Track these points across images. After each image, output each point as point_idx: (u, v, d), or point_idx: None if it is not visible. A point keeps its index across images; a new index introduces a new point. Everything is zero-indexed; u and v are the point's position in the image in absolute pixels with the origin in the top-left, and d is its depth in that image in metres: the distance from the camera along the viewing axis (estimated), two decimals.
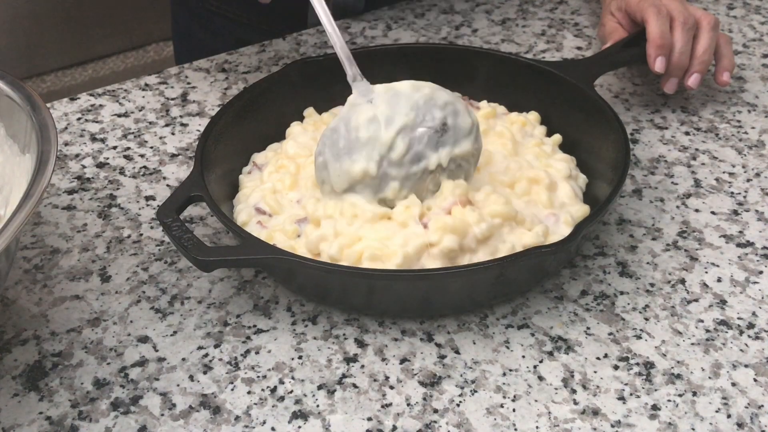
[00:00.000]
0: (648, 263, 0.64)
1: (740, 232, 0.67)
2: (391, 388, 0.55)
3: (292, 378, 0.56)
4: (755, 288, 0.62)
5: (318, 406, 0.54)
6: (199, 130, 0.78)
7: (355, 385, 0.55)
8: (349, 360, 0.57)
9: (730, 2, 0.98)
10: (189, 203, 0.60)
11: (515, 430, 0.52)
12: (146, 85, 0.85)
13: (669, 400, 0.54)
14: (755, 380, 0.55)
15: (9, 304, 0.61)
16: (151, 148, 0.76)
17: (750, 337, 0.58)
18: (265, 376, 0.56)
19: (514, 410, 0.53)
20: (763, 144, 0.76)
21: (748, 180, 0.72)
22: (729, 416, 0.53)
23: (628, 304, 0.60)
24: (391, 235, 0.58)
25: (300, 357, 0.57)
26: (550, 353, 0.57)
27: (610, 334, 0.58)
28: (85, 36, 1.74)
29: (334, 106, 0.74)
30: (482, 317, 0.60)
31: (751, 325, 0.59)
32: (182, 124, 0.79)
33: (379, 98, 0.61)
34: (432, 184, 0.61)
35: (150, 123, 0.79)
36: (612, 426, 0.52)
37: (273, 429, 0.53)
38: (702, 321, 0.59)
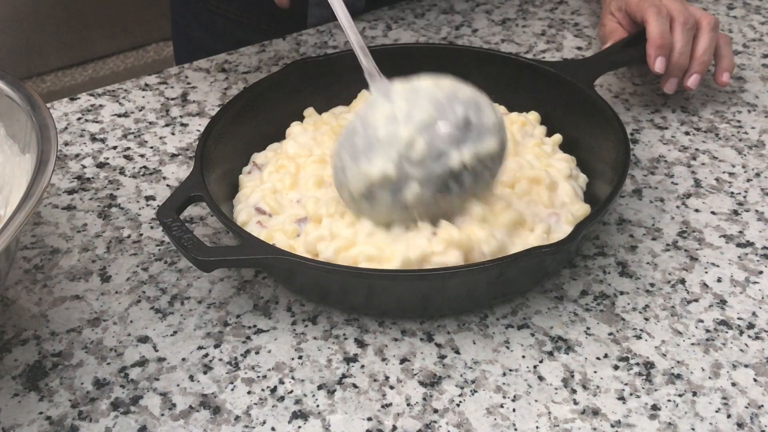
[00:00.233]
0: (648, 263, 0.64)
1: (740, 232, 0.67)
2: (391, 388, 0.55)
3: (292, 378, 0.56)
4: (755, 288, 0.62)
5: (318, 406, 0.54)
6: (199, 130, 0.78)
7: (355, 385, 0.55)
8: (349, 360, 0.57)
9: (730, 2, 0.98)
10: (189, 203, 0.60)
11: (515, 430, 0.52)
12: (146, 85, 0.85)
13: (669, 400, 0.54)
14: (755, 380, 0.55)
15: (9, 304, 0.61)
16: (151, 148, 0.76)
17: (750, 337, 0.58)
18: (265, 376, 0.56)
19: (514, 410, 0.53)
20: (763, 144, 0.76)
21: (748, 180, 0.72)
22: (729, 416, 0.53)
23: (628, 304, 0.60)
24: (391, 243, 0.58)
25: (300, 357, 0.57)
26: (550, 353, 0.57)
27: (610, 334, 0.58)
28: (85, 36, 1.74)
29: (334, 106, 0.74)
30: (482, 317, 0.60)
31: (751, 325, 0.59)
32: (182, 124, 0.79)
33: (397, 95, 0.58)
34: (456, 184, 0.57)
35: (150, 123, 0.79)
36: (612, 426, 0.52)
37: (273, 429, 0.53)
38: (702, 321, 0.59)
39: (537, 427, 0.52)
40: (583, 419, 0.53)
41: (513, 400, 0.54)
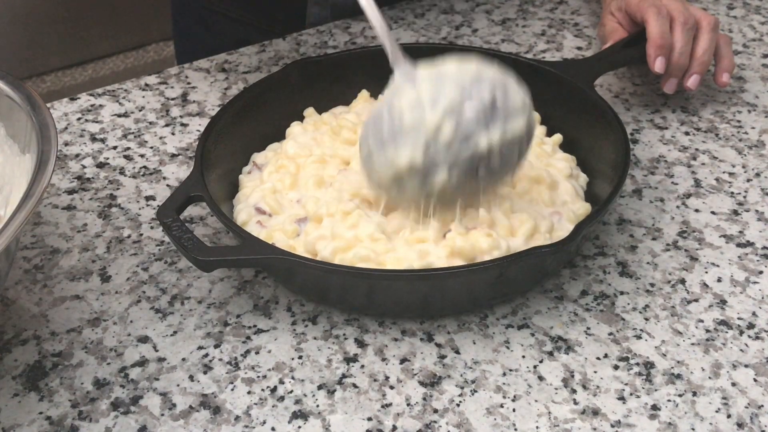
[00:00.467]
0: (648, 263, 0.64)
1: (740, 232, 0.67)
2: (391, 388, 0.55)
3: (292, 378, 0.56)
4: (755, 288, 0.62)
5: (318, 406, 0.54)
6: (199, 130, 0.78)
7: (355, 385, 0.55)
8: (349, 360, 0.57)
9: (730, 2, 0.98)
10: (189, 203, 0.60)
11: (515, 430, 0.52)
12: (146, 85, 0.85)
13: (669, 400, 0.54)
14: (755, 380, 0.55)
15: (9, 304, 0.61)
16: (151, 148, 0.76)
17: (750, 337, 0.58)
18: (265, 376, 0.56)
19: (514, 410, 0.53)
20: (763, 144, 0.76)
21: (748, 180, 0.72)
22: (729, 416, 0.53)
23: (628, 304, 0.60)
24: (390, 249, 0.58)
25: (300, 357, 0.57)
26: (550, 353, 0.57)
27: (610, 334, 0.58)
28: (85, 36, 1.74)
29: (334, 106, 0.74)
30: (482, 317, 0.60)
31: (751, 325, 0.59)
32: (182, 124, 0.79)
33: (422, 79, 0.57)
34: (484, 168, 0.56)
35: (150, 123, 0.79)
36: (612, 426, 0.52)
37: (273, 429, 0.53)
38: (702, 321, 0.59)
39: (537, 427, 0.52)
40: (583, 419, 0.53)
41: (513, 400, 0.54)
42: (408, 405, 0.54)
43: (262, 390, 0.55)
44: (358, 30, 0.92)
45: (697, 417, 0.53)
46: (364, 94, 0.73)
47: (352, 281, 0.58)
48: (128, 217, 0.69)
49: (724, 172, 0.73)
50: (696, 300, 0.61)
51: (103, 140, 0.77)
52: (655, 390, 0.55)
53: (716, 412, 0.53)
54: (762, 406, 0.54)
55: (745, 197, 0.70)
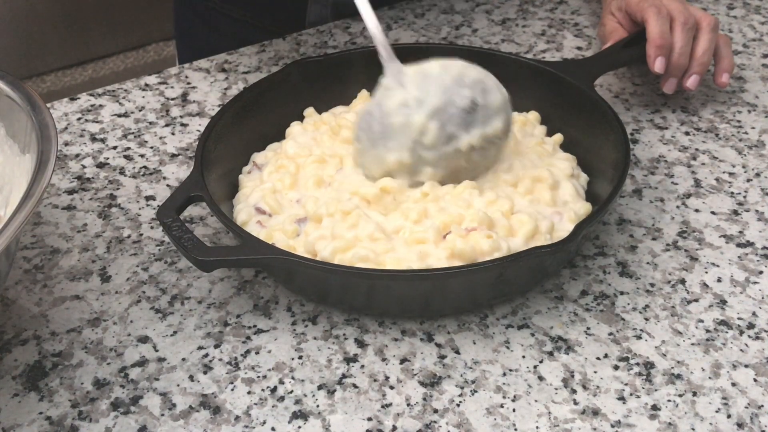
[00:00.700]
0: (648, 263, 0.64)
1: (740, 232, 0.67)
2: (391, 388, 0.55)
3: (292, 378, 0.56)
4: (755, 288, 0.62)
5: (318, 406, 0.54)
6: (199, 130, 0.78)
7: (355, 385, 0.55)
8: (349, 360, 0.57)
9: (730, 2, 0.98)
10: (189, 203, 0.60)
11: (515, 430, 0.52)
12: (146, 85, 0.85)
13: (669, 400, 0.54)
14: (755, 380, 0.55)
15: (9, 304, 0.61)
16: (151, 148, 0.76)
17: (750, 337, 0.58)
18: (265, 376, 0.56)
19: (514, 410, 0.53)
20: (763, 144, 0.76)
21: (748, 180, 0.72)
22: (729, 416, 0.53)
23: (628, 304, 0.60)
24: (389, 249, 0.58)
25: (300, 357, 0.57)
26: (550, 353, 0.57)
27: (610, 334, 0.58)
28: (85, 36, 1.75)
29: (334, 106, 0.74)
30: (482, 317, 0.60)
31: (751, 325, 0.59)
32: (182, 124, 0.79)
33: (409, 81, 0.62)
34: (465, 161, 0.62)
35: (150, 123, 0.79)
36: (612, 426, 0.52)
37: (273, 429, 0.53)
38: (702, 321, 0.59)
39: (537, 427, 0.52)
40: (583, 419, 0.53)
41: (513, 400, 0.54)
42: (408, 405, 0.54)
43: (262, 390, 0.55)
44: (358, 30, 0.92)
45: (697, 417, 0.53)
46: (364, 94, 0.73)
47: (352, 281, 0.58)
48: (128, 217, 0.69)
49: (724, 172, 0.73)
50: (696, 300, 0.61)
51: (103, 140, 0.77)
52: (655, 390, 0.55)
53: (716, 412, 0.53)
54: (762, 406, 0.54)
55: (745, 197, 0.70)
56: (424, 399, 0.54)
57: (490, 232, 0.58)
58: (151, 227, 0.68)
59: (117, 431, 0.53)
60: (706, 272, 0.63)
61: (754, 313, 0.60)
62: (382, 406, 0.54)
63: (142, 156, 0.75)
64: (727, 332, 0.58)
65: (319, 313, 0.60)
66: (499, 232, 0.59)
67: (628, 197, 0.70)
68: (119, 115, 0.80)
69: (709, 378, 0.55)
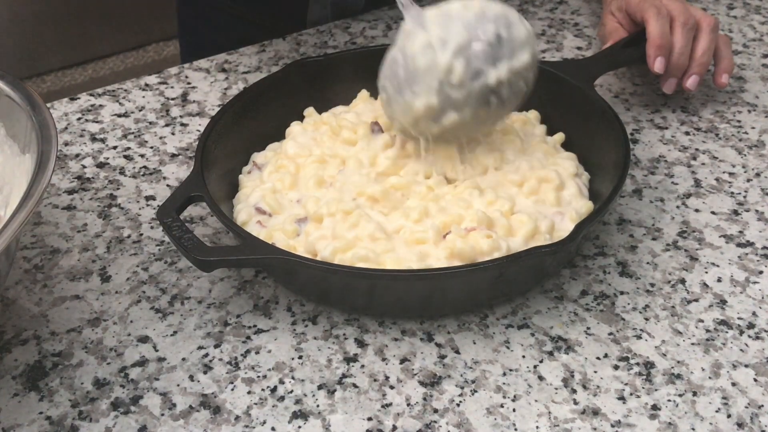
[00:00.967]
0: (648, 263, 0.64)
1: (740, 232, 0.67)
2: (391, 388, 0.55)
3: (292, 378, 0.56)
4: (755, 288, 0.62)
5: (318, 406, 0.54)
6: (199, 130, 0.78)
7: (355, 385, 0.55)
8: (349, 360, 0.57)
9: (730, 2, 0.98)
10: (189, 203, 0.60)
11: (515, 430, 0.52)
12: (146, 85, 0.85)
13: (669, 400, 0.54)
14: (755, 380, 0.55)
15: (9, 304, 0.61)
16: (151, 148, 0.76)
17: (750, 337, 0.58)
18: (265, 376, 0.56)
19: (514, 410, 0.53)
20: (763, 144, 0.76)
21: (748, 180, 0.72)
22: (729, 416, 0.53)
23: (628, 304, 0.60)
24: (389, 249, 0.58)
25: (300, 357, 0.57)
26: (550, 353, 0.57)
27: (610, 334, 0.58)
28: (85, 36, 1.75)
29: (334, 106, 0.74)
30: (482, 317, 0.60)
31: (751, 325, 0.59)
32: (182, 124, 0.79)
33: (431, 22, 0.61)
34: (495, 98, 0.61)
35: (150, 123, 0.79)
36: (612, 426, 0.52)
37: (273, 429, 0.53)
38: (702, 321, 0.59)
39: (537, 427, 0.52)
40: (583, 419, 0.53)
41: (513, 400, 0.54)
42: (408, 405, 0.54)
43: (262, 390, 0.55)
44: (358, 30, 0.92)
45: (697, 417, 0.53)
46: (364, 94, 0.73)
47: (353, 281, 0.58)
48: (128, 217, 0.69)
49: (724, 172, 0.73)
50: (696, 300, 0.61)
51: (103, 140, 0.77)
52: (655, 390, 0.55)
53: (716, 412, 0.53)
54: (762, 406, 0.54)
55: (745, 197, 0.70)
56: (424, 399, 0.54)
57: (489, 232, 0.58)
58: (151, 227, 0.68)
59: (117, 431, 0.53)
60: (706, 272, 0.63)
61: (754, 313, 0.60)
62: (382, 406, 0.54)
63: (142, 156, 0.75)
64: (727, 332, 0.58)
65: (319, 313, 0.60)
66: (499, 232, 0.59)
67: (628, 197, 0.70)
68: (119, 115, 0.80)
69: (709, 378, 0.55)
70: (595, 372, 0.56)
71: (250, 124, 0.70)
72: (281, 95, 0.72)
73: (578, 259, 0.64)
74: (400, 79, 0.61)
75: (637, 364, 0.56)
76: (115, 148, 0.76)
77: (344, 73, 0.74)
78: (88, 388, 0.55)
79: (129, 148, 0.76)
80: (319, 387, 0.55)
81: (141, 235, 0.67)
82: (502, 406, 0.54)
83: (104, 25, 1.75)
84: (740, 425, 0.52)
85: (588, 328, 0.59)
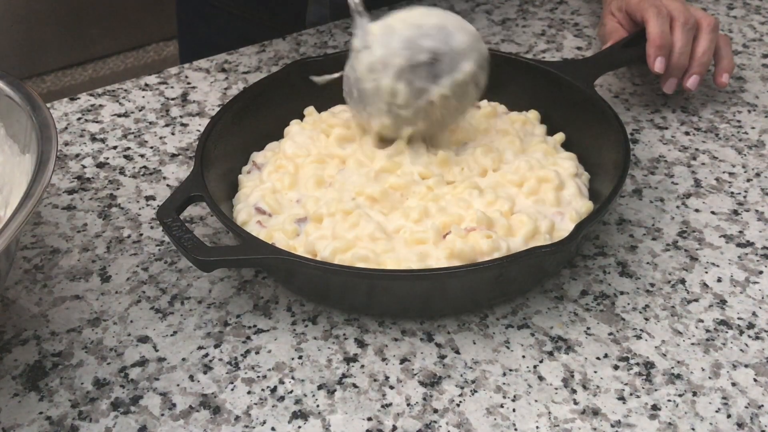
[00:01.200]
0: (648, 263, 0.64)
1: (740, 232, 0.67)
2: (391, 388, 0.55)
3: (292, 378, 0.56)
4: (755, 288, 0.62)
5: (318, 406, 0.54)
6: (199, 130, 0.78)
7: (355, 385, 0.55)
8: (349, 360, 0.57)
9: (730, 2, 0.98)
10: (189, 203, 0.60)
11: (515, 430, 0.52)
12: (146, 85, 0.85)
13: (669, 400, 0.54)
14: (755, 380, 0.55)
15: (9, 304, 0.61)
16: (151, 148, 0.76)
17: (750, 337, 0.58)
18: (265, 376, 0.56)
19: (514, 410, 0.53)
20: (763, 144, 0.76)
21: (748, 180, 0.72)
22: (729, 416, 0.53)
23: (628, 304, 0.60)
24: (389, 249, 0.58)
25: (300, 357, 0.57)
26: (550, 353, 0.57)
27: (610, 334, 0.58)
28: (85, 36, 1.74)
29: (333, 106, 0.74)
30: (482, 317, 0.60)
31: (751, 325, 0.59)
32: (182, 124, 0.79)
33: (374, 41, 0.63)
34: (442, 108, 0.63)
35: (150, 123, 0.79)
36: (612, 426, 0.52)
37: (273, 429, 0.53)
38: (702, 321, 0.59)
39: (537, 427, 0.52)
40: (583, 419, 0.53)
41: (513, 400, 0.54)
42: (408, 405, 0.54)
43: (262, 390, 0.55)
44: None
45: (697, 417, 0.53)
46: None
47: (352, 281, 0.58)
48: (128, 217, 0.69)
49: (724, 172, 0.73)
50: (696, 300, 0.61)
51: (103, 140, 0.77)
52: (655, 390, 0.55)
53: (716, 412, 0.53)
54: (762, 406, 0.54)
55: (745, 197, 0.70)
56: (424, 399, 0.54)
57: (489, 232, 0.58)
58: (151, 227, 0.68)
59: (117, 431, 0.53)
60: (706, 272, 0.63)
61: (754, 313, 0.60)
62: (382, 406, 0.54)
63: (142, 156, 0.75)
64: (727, 332, 0.58)
65: (319, 313, 0.60)
66: (499, 232, 0.59)
67: (628, 197, 0.70)
68: (119, 115, 0.80)
69: (709, 378, 0.55)
70: (595, 372, 0.56)
71: (250, 124, 0.70)
72: (281, 95, 0.72)
73: (578, 259, 0.64)
74: (354, 98, 0.65)
75: (637, 364, 0.56)
76: (115, 148, 0.76)
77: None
78: (88, 388, 0.55)
79: (129, 148, 0.76)
80: (319, 387, 0.55)
81: (141, 235, 0.67)
82: (502, 406, 0.54)
83: (104, 26, 1.74)
84: (740, 425, 0.52)
85: (588, 328, 0.59)
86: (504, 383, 0.55)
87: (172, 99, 0.82)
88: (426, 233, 0.58)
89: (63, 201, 0.70)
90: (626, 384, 0.55)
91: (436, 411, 0.53)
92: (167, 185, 0.72)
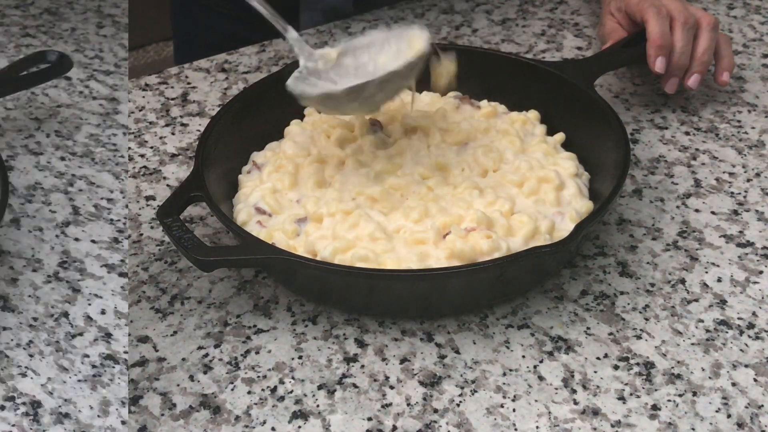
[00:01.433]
0: (648, 263, 0.64)
1: (740, 232, 0.67)
2: (391, 388, 0.55)
3: (292, 378, 0.56)
4: (755, 288, 0.62)
5: (318, 406, 0.54)
6: (199, 130, 0.78)
7: (355, 385, 0.55)
8: (349, 360, 0.57)
9: (730, 2, 0.98)
10: (189, 203, 0.60)
11: (515, 430, 0.52)
12: (146, 85, 0.85)
13: (669, 400, 0.54)
14: (755, 380, 0.55)
15: None
16: (151, 148, 0.76)
17: (750, 337, 0.58)
18: (265, 376, 0.56)
19: (514, 410, 0.53)
20: (763, 144, 0.76)
21: (748, 180, 0.72)
22: (729, 416, 0.53)
23: (628, 304, 0.60)
24: (389, 249, 0.58)
25: (300, 357, 0.57)
26: (550, 353, 0.57)
27: (610, 334, 0.58)
28: None
29: None
30: (482, 317, 0.60)
31: (751, 325, 0.59)
32: (182, 124, 0.79)
33: (323, 75, 0.66)
34: (379, 97, 0.64)
35: (150, 123, 0.79)
36: (612, 426, 0.52)
37: (273, 429, 0.53)
38: (702, 321, 0.59)
39: (537, 427, 0.52)
40: (583, 419, 0.53)
41: (513, 400, 0.54)
42: (408, 405, 0.54)
43: (262, 390, 0.55)
44: (358, 30, 0.92)
45: (697, 417, 0.53)
46: None
47: (352, 281, 0.58)
48: (128, 217, 0.69)
49: (724, 172, 0.73)
50: (696, 300, 0.61)
51: None
52: (655, 390, 0.55)
53: (716, 412, 0.53)
54: (762, 406, 0.54)
55: (745, 197, 0.70)
56: (424, 399, 0.54)
57: (489, 232, 0.58)
58: (151, 227, 0.68)
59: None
60: (706, 272, 0.63)
61: (754, 313, 0.60)
62: (382, 406, 0.54)
63: (142, 156, 0.75)
64: (727, 332, 0.58)
65: (319, 313, 0.60)
66: (499, 232, 0.59)
67: (628, 197, 0.70)
68: None
69: (709, 378, 0.55)
70: (595, 372, 0.56)
71: (250, 124, 0.70)
72: (281, 95, 0.72)
73: (578, 259, 0.64)
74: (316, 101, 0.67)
75: (637, 364, 0.56)
76: None
77: None
78: None
79: (129, 148, 0.76)
80: (319, 387, 0.55)
81: (141, 235, 0.67)
82: (502, 406, 0.54)
83: None
84: (740, 425, 0.52)
85: (588, 328, 0.59)
86: (504, 383, 0.55)
87: (172, 99, 0.82)
88: (426, 233, 0.58)
89: None
90: (626, 384, 0.55)
91: (436, 411, 0.53)
92: (167, 185, 0.72)
